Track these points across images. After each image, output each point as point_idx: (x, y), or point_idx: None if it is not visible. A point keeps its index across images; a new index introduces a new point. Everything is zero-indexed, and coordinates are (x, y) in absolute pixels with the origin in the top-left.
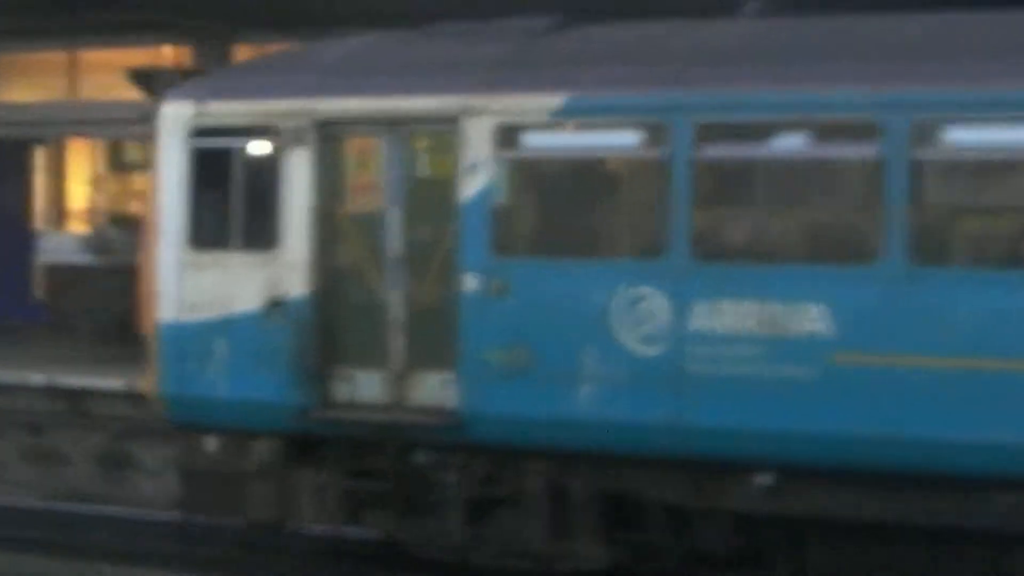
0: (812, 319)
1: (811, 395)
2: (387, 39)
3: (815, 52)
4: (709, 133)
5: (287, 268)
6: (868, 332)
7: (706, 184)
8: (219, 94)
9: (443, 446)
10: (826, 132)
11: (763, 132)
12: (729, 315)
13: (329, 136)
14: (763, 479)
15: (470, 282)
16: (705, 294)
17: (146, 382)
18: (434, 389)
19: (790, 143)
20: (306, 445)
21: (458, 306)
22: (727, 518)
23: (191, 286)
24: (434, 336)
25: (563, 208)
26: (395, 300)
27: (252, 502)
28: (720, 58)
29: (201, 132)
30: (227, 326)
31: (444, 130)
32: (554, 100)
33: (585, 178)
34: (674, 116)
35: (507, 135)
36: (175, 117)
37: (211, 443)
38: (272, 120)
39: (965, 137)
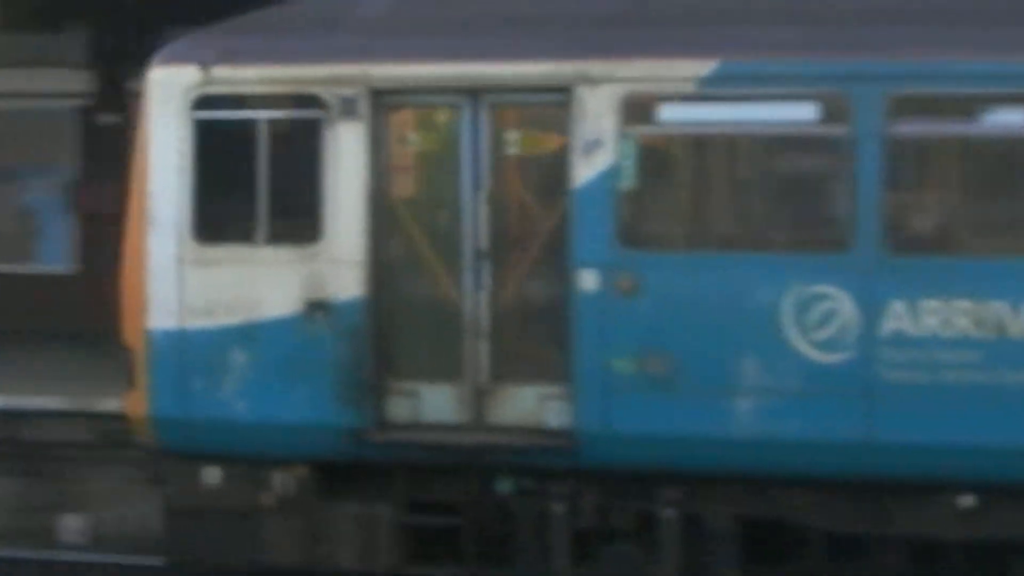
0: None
1: None
2: None
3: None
4: (905, 107)
5: (334, 265)
6: None
7: (901, 166)
8: (234, 57)
9: (544, 472)
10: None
11: (972, 107)
12: (934, 316)
13: (388, 107)
14: (964, 500)
15: (588, 280)
16: (902, 292)
17: (130, 402)
18: (528, 405)
19: (1007, 119)
20: (342, 475)
21: (572, 307)
22: (904, 546)
23: (197, 287)
24: (528, 343)
25: (713, 193)
26: (475, 301)
27: (270, 544)
28: (911, 19)
29: (208, 102)
30: (250, 334)
31: (550, 101)
32: (702, 66)
33: (741, 158)
34: (860, 87)
35: (638, 107)
36: (171, 84)
37: (212, 475)
38: (313, 88)
39: None
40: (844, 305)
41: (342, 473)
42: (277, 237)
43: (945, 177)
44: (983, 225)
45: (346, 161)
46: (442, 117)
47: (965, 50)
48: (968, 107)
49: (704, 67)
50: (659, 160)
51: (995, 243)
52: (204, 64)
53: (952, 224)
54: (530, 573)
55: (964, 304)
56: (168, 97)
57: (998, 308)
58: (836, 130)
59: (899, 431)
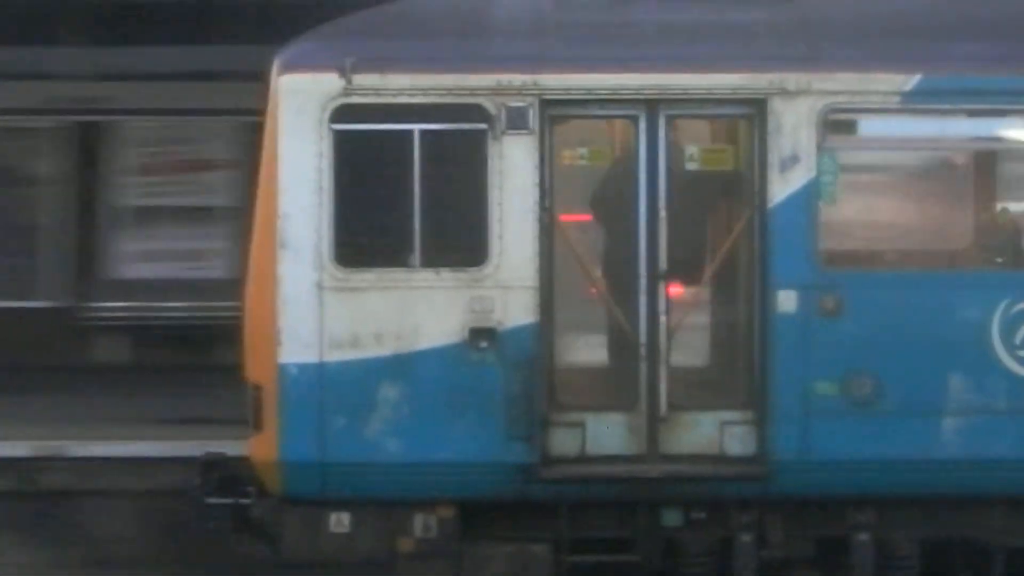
0: None
1: None
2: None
3: None
4: None
5: (502, 290)
6: None
7: None
8: (381, 63)
9: (718, 502)
10: None
11: None
12: None
13: (558, 119)
14: None
15: (787, 301)
16: None
17: (256, 446)
18: (707, 433)
19: None
20: (485, 515)
21: (770, 330)
22: None
23: (340, 315)
24: (715, 369)
25: (917, 210)
26: (660, 326)
27: None
28: None
29: (351, 113)
30: (403, 366)
31: (740, 113)
32: (906, 79)
33: (946, 174)
34: None
35: (839, 121)
36: (306, 93)
37: (341, 522)
38: (476, 98)
39: None
40: None
41: (485, 513)
42: (435, 260)
43: None
44: None
45: (514, 177)
46: (614, 129)
47: None
48: None
49: (907, 80)
50: (859, 176)
51: None
52: (345, 71)
53: None
54: None
55: None
56: (303, 107)
57: None
58: None
59: None
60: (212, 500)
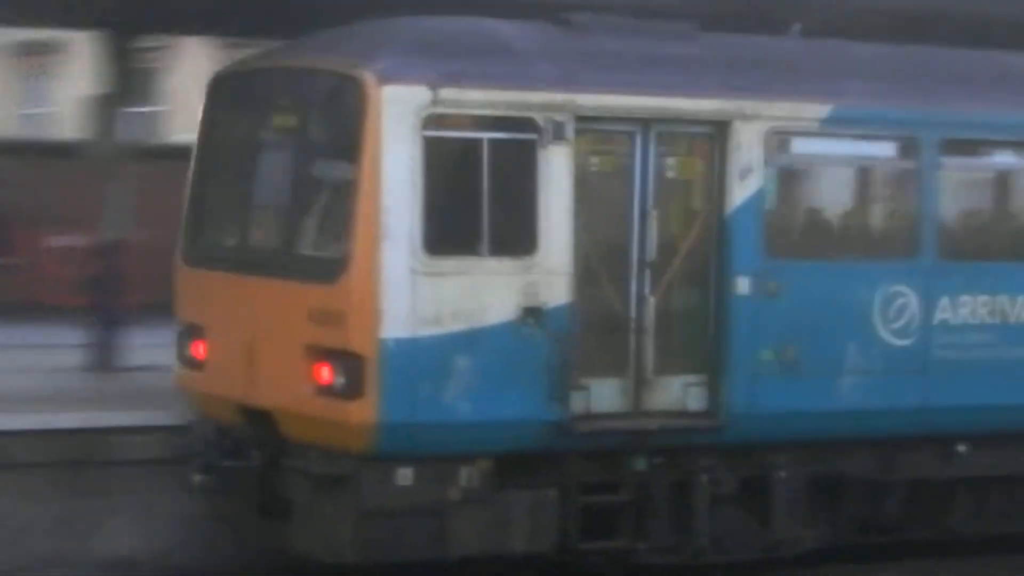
0: None
1: None
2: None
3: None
4: (950, 148)
5: (547, 275)
6: None
7: (949, 192)
8: (460, 79)
9: (692, 449)
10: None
11: (994, 148)
12: (966, 307)
13: (593, 133)
14: (962, 448)
15: (742, 285)
16: (949, 290)
17: (354, 410)
18: (675, 393)
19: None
20: (511, 466)
21: (727, 308)
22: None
23: (427, 296)
24: (683, 340)
25: (832, 212)
26: (649, 305)
27: (454, 535)
28: (959, 82)
29: (438, 122)
30: (473, 340)
31: (710, 132)
32: (823, 108)
33: (852, 183)
34: (924, 131)
35: (779, 140)
36: (403, 102)
37: (405, 476)
38: (529, 112)
39: None
40: (912, 300)
41: (511, 464)
42: (498, 249)
43: (971, 201)
44: (995, 237)
45: (555, 180)
46: (619, 142)
47: (985, 104)
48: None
49: (823, 109)
50: (792, 185)
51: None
52: (434, 85)
53: (978, 237)
54: (681, 538)
55: (984, 298)
56: (401, 115)
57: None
58: (912, 164)
59: (944, 398)
60: (228, 463)
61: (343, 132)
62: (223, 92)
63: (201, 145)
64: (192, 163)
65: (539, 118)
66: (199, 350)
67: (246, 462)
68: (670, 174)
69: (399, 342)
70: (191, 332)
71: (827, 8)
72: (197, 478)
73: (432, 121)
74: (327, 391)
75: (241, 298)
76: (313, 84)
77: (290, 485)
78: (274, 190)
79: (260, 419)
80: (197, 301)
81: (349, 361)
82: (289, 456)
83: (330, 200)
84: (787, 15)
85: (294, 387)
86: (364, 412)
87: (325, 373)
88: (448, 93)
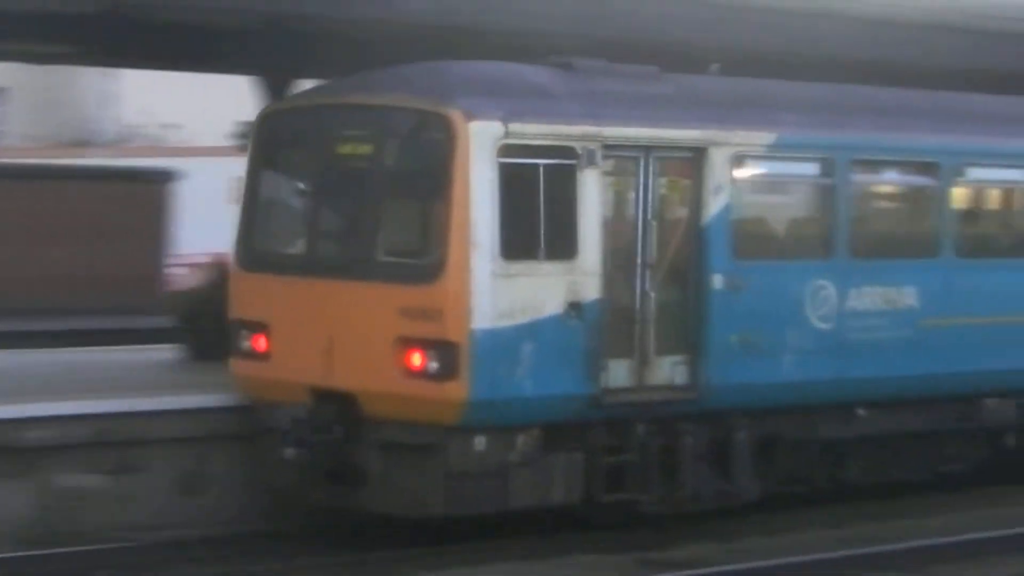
0: (907, 296)
1: (913, 348)
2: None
3: (935, 111)
4: (859, 167)
5: (584, 275)
6: (937, 304)
7: (857, 202)
8: (522, 116)
9: (681, 416)
10: (907, 169)
11: (888, 166)
12: (869, 297)
13: (611, 158)
14: (862, 411)
15: (716, 281)
16: (857, 283)
17: (449, 389)
18: (666, 371)
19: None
20: (558, 433)
21: (703, 301)
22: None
23: (504, 294)
24: (671, 327)
25: (776, 218)
26: (650, 299)
27: (514, 491)
28: (873, 113)
29: (508, 151)
30: (534, 329)
31: (693, 156)
32: (769, 136)
33: (787, 197)
34: (838, 153)
35: (740, 163)
36: (485, 135)
37: (480, 442)
38: (570, 142)
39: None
40: (831, 292)
41: (549, 432)
42: (551, 254)
43: (870, 211)
44: (888, 240)
45: (589, 197)
46: (628, 166)
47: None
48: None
49: (771, 137)
50: (750, 198)
51: (891, 251)
52: (504, 121)
53: (876, 240)
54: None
55: (881, 289)
56: (483, 145)
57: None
58: (830, 180)
59: (856, 371)
60: (318, 437)
61: (431, 159)
62: (276, 125)
63: (253, 170)
64: (244, 185)
65: (578, 147)
66: (260, 343)
67: (331, 435)
68: (662, 191)
69: (484, 332)
70: (251, 327)
71: (739, 51)
72: (290, 451)
73: (504, 150)
74: (419, 374)
75: (313, 298)
76: (392, 118)
77: (368, 455)
78: (346, 208)
79: (337, 400)
80: (257, 301)
81: (444, 348)
82: (367, 430)
83: (416, 215)
84: (709, 56)
85: (381, 372)
86: (457, 391)
87: (417, 359)
88: (515, 127)
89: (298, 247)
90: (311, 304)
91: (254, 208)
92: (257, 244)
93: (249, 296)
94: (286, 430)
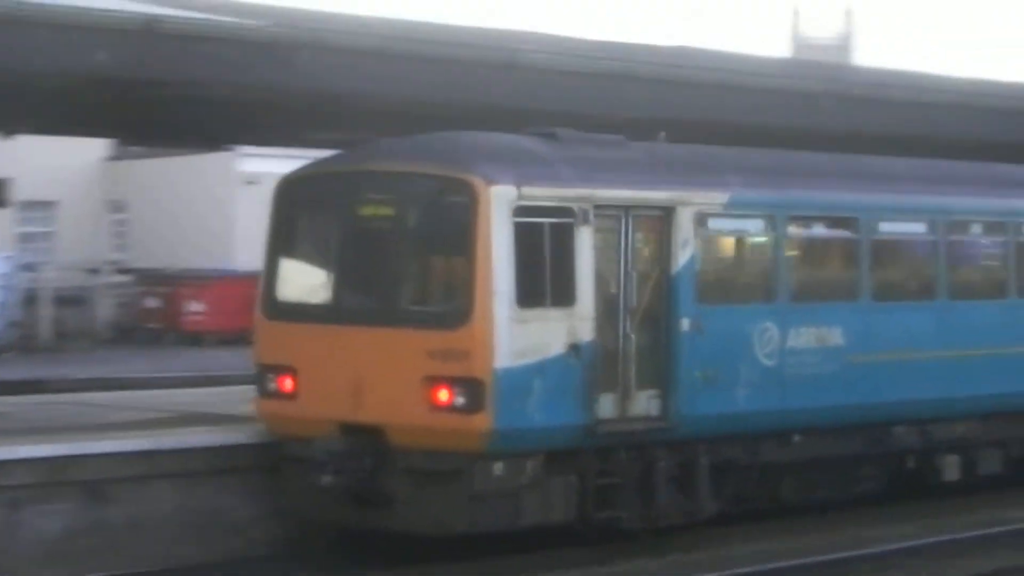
0: (834, 335)
1: (839, 381)
2: (608, 146)
3: (853, 172)
4: (793, 222)
5: (581, 320)
6: (859, 341)
7: (794, 254)
8: (531, 181)
9: (655, 443)
10: (832, 223)
11: (817, 222)
12: (804, 336)
13: (600, 216)
14: (797, 438)
15: (684, 324)
16: (794, 324)
17: (477, 421)
18: (642, 403)
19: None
20: (556, 459)
21: (673, 341)
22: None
23: (519, 337)
24: (647, 364)
25: (731, 268)
26: (631, 340)
27: (524, 511)
28: (804, 175)
29: (521, 211)
30: (543, 367)
31: (662, 215)
32: (723, 195)
33: (743, 247)
34: (779, 212)
35: (700, 220)
36: (503, 198)
37: (499, 467)
38: (568, 203)
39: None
40: (774, 332)
41: (556, 458)
42: (556, 302)
43: (804, 260)
44: (816, 286)
45: (584, 251)
46: (611, 223)
47: (824, 191)
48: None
49: (725, 196)
50: (710, 251)
51: (820, 295)
52: (517, 185)
53: (809, 286)
54: (649, 508)
55: (813, 329)
56: (500, 207)
57: (822, 330)
58: (771, 234)
59: (795, 402)
60: (350, 466)
61: (455, 219)
62: (299, 189)
63: (275, 231)
64: (268, 243)
65: (575, 207)
66: (286, 384)
67: (362, 464)
68: (639, 245)
69: (504, 370)
70: (277, 370)
71: (682, 122)
72: (327, 478)
73: (517, 211)
74: (445, 408)
75: (340, 342)
76: (416, 184)
77: (395, 481)
78: (369, 262)
79: (364, 433)
80: (282, 346)
81: (471, 385)
82: (394, 459)
83: (439, 268)
84: (656, 127)
85: (408, 407)
86: (483, 422)
87: (444, 395)
88: (526, 190)
89: (322, 297)
90: (338, 348)
91: (277, 263)
92: (281, 296)
93: (274, 343)
94: (324, 460)
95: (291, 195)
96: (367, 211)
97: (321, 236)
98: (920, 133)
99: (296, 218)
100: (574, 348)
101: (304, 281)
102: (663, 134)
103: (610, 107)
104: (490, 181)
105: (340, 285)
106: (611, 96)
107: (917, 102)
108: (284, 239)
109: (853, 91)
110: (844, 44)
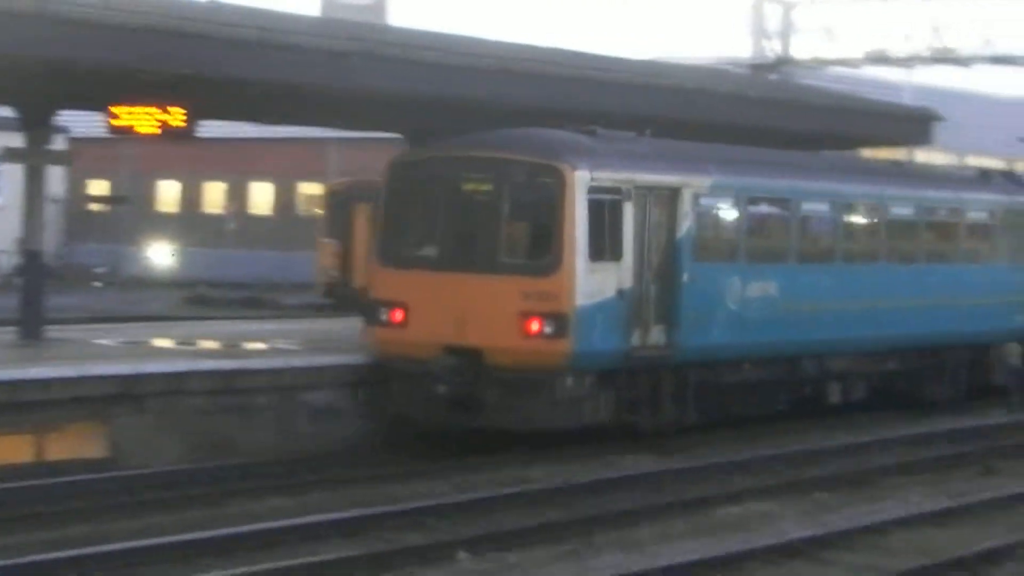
0: (772, 288)
1: (774, 323)
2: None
3: (787, 164)
4: (753, 200)
5: (626, 271)
6: (789, 293)
7: (751, 225)
8: (598, 167)
9: (663, 367)
10: (773, 203)
11: (769, 201)
12: (755, 288)
13: (636, 195)
14: (747, 366)
15: (684, 276)
16: (751, 279)
17: (562, 345)
18: (656, 335)
19: (766, 207)
20: (600, 377)
21: (677, 289)
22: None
23: (590, 282)
24: (660, 305)
25: (713, 235)
26: (651, 288)
27: (585, 414)
28: (759, 164)
29: (593, 191)
30: (603, 306)
31: (674, 193)
32: (709, 179)
33: (720, 220)
34: (740, 192)
35: (695, 198)
36: (582, 180)
37: (569, 382)
38: (619, 184)
39: (807, 207)
40: (738, 284)
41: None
42: (611, 257)
43: (759, 229)
44: (765, 250)
45: (628, 221)
46: (641, 200)
47: (768, 177)
48: (763, 200)
49: (710, 180)
50: (702, 223)
51: (767, 257)
52: (590, 171)
53: (761, 250)
54: (659, 415)
55: (762, 284)
56: (580, 187)
57: (767, 284)
58: (736, 210)
59: (753, 337)
60: (460, 379)
61: (546, 195)
62: (410, 168)
63: (389, 199)
64: (383, 209)
65: (623, 187)
66: (397, 316)
67: (465, 377)
68: (656, 216)
69: (581, 307)
70: (391, 305)
71: (667, 122)
72: (442, 388)
73: (591, 190)
74: (536, 336)
75: (446, 285)
76: (512, 167)
77: (490, 390)
78: (470, 225)
79: (466, 354)
80: (395, 287)
81: (559, 318)
82: (489, 373)
83: (530, 232)
84: (643, 125)
85: (504, 334)
86: (566, 346)
87: (535, 326)
88: (596, 175)
89: (431, 250)
90: (444, 289)
91: (389, 223)
92: (394, 248)
93: (388, 284)
94: (439, 374)
95: (402, 172)
96: (469, 186)
97: (429, 204)
98: (452, 94)
99: (406, 190)
100: (620, 292)
101: (414, 238)
102: (648, 131)
103: None
104: (574, 167)
105: (445, 241)
106: None
107: (448, 64)
108: (396, 206)
109: (384, 50)
110: (379, 5)
